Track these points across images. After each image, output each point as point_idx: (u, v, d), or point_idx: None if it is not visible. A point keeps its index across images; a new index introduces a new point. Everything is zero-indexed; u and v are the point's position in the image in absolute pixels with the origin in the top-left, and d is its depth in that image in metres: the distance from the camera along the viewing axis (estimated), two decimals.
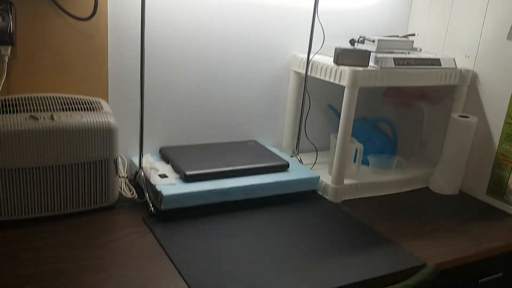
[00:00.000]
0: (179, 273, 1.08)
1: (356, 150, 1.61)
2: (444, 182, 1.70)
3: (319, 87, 1.83)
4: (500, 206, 1.62)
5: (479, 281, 1.40)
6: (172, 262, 1.12)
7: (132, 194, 1.40)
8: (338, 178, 1.54)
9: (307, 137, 1.80)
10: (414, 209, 1.56)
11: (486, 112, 1.64)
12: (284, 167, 1.55)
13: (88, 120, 1.25)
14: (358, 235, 1.34)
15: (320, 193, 1.60)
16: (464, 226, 1.46)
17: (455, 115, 1.64)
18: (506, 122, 1.58)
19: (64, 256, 1.10)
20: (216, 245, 1.21)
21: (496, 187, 1.63)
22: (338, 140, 1.52)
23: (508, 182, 1.59)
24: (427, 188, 1.74)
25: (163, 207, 1.30)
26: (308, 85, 1.75)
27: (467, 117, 1.64)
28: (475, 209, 1.60)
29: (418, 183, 1.73)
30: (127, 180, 1.46)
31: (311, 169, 1.65)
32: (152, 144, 1.59)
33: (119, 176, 1.38)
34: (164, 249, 1.17)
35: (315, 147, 1.82)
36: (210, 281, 1.06)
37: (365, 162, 1.73)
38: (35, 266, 1.05)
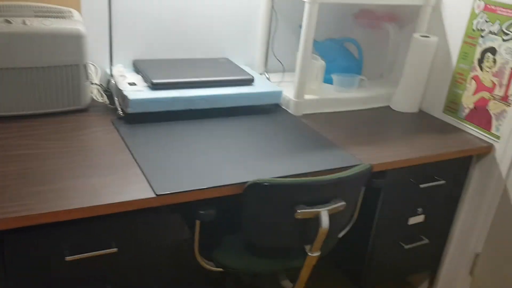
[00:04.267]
0: (136, 161, 1.22)
1: (318, 68, 1.70)
2: (404, 101, 1.79)
3: (291, 8, 1.89)
4: (454, 123, 1.71)
5: (420, 186, 1.52)
6: (131, 153, 1.25)
7: (103, 99, 1.52)
8: (299, 93, 1.64)
9: (274, 55, 1.88)
10: (370, 123, 1.66)
11: (447, 32, 1.70)
12: (249, 81, 1.65)
13: (58, 26, 1.35)
14: (310, 141, 1.46)
15: (284, 107, 1.71)
16: (412, 137, 1.57)
17: (416, 35, 1.71)
18: (464, 42, 1.64)
19: (36, 144, 1.24)
20: (175, 144, 1.34)
21: (452, 104, 1.72)
22: (299, 56, 1.60)
23: (462, 99, 1.67)
24: (388, 107, 1.84)
25: (129, 110, 1.43)
26: (281, 7, 1.82)
27: (428, 37, 1.70)
28: (429, 125, 1.70)
29: (380, 102, 1.83)
30: (100, 88, 1.58)
31: (277, 85, 1.75)
32: (126, 57, 1.69)
33: (91, 82, 1.49)
34: (126, 144, 1.30)
35: (283, 66, 1.90)
36: (162, 168, 1.20)
37: (330, 81, 1.82)
38: (9, 151, 1.20)
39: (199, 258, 1.33)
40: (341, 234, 1.49)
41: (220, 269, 1.35)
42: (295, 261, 1.36)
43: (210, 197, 1.16)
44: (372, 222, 1.55)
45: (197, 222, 1.26)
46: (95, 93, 1.53)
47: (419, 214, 1.62)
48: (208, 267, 1.34)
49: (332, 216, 1.23)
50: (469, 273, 1.73)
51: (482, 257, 1.69)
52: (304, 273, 1.35)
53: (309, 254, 1.28)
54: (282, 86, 1.75)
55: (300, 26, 1.80)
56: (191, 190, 1.12)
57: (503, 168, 1.56)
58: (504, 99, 1.53)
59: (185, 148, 1.32)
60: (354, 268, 1.69)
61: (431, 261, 1.80)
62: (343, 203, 1.24)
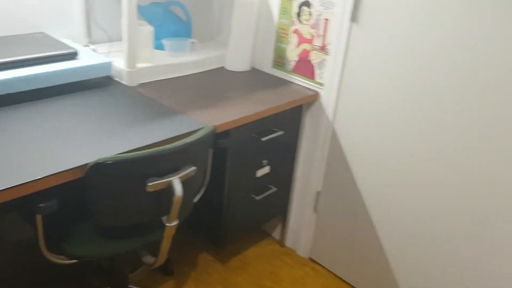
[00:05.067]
0: None
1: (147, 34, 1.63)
2: (236, 60, 1.84)
3: None
4: (283, 76, 1.83)
5: (262, 139, 1.60)
6: None
7: None
8: (131, 62, 1.56)
9: (97, 25, 1.75)
10: (208, 86, 1.68)
11: None
12: (72, 55, 1.51)
13: None
14: (150, 111, 1.42)
15: (117, 79, 1.62)
16: (248, 95, 1.64)
17: None
18: None
19: None
20: None
21: (279, 59, 1.82)
22: (124, 23, 1.52)
23: (286, 53, 1.79)
24: (223, 67, 1.88)
25: None
26: None
27: None
28: (262, 81, 1.78)
29: (214, 63, 1.85)
30: None
31: (105, 56, 1.64)
32: None
33: None
34: None
35: (108, 35, 1.79)
36: None
37: (161, 47, 1.78)
38: None
39: (48, 254, 1.22)
40: (196, 199, 1.51)
41: (74, 261, 1.25)
42: (154, 235, 1.34)
43: (48, 187, 1.05)
44: (224, 181, 1.59)
45: (38, 217, 1.14)
46: None
47: (264, 166, 1.71)
48: (60, 261, 1.24)
49: (184, 183, 1.23)
50: (314, 210, 1.91)
51: (322, 194, 1.87)
52: (165, 245, 1.33)
53: (167, 225, 1.27)
54: (111, 57, 1.65)
55: None
56: (23, 184, 1.00)
57: (329, 112, 1.73)
58: (323, 48, 1.68)
59: (9, 138, 1.17)
60: (212, 229, 1.73)
61: (281, 207, 1.94)
62: (193, 168, 1.24)
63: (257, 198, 1.73)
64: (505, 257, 1.41)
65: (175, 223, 1.28)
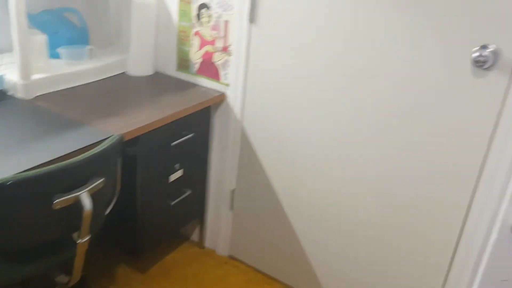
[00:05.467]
0: None
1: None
2: (138, 65, 1.81)
3: None
4: (188, 78, 1.83)
5: (172, 143, 1.60)
6: None
7: None
8: (24, 73, 1.48)
9: None
10: (111, 93, 1.63)
11: None
12: None
13: None
14: (49, 124, 1.35)
15: (11, 93, 1.52)
16: (154, 99, 1.62)
17: None
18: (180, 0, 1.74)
19: None
20: None
21: (183, 61, 1.82)
22: (14, 34, 1.43)
23: (190, 56, 1.79)
24: (125, 73, 1.83)
25: None
26: None
27: None
28: (167, 85, 1.77)
29: (115, 69, 1.80)
30: None
31: None
32: None
33: None
34: None
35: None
36: None
37: (58, 56, 1.70)
38: None
39: None
40: (107, 210, 1.46)
41: None
42: (65, 253, 1.28)
43: None
44: (136, 189, 1.56)
45: None
46: None
47: (177, 170, 1.71)
48: None
49: (94, 196, 1.19)
50: (230, 208, 1.94)
51: (237, 192, 1.91)
52: (78, 262, 1.28)
53: (78, 241, 1.22)
54: (3, 69, 1.54)
55: None
56: None
57: (237, 111, 1.76)
58: (225, 49, 1.71)
59: None
60: (128, 239, 1.69)
61: (197, 209, 1.95)
62: (102, 179, 1.21)
63: (172, 203, 1.72)
64: (411, 242, 1.55)
65: (87, 238, 1.24)
